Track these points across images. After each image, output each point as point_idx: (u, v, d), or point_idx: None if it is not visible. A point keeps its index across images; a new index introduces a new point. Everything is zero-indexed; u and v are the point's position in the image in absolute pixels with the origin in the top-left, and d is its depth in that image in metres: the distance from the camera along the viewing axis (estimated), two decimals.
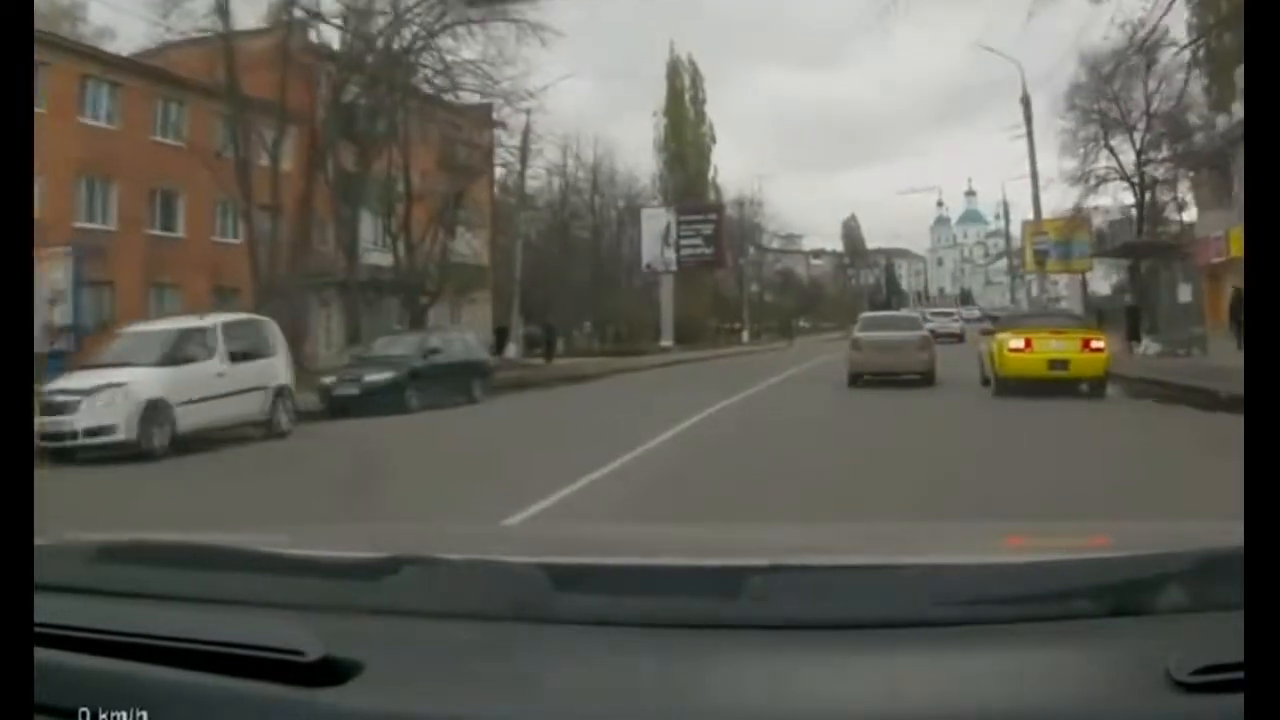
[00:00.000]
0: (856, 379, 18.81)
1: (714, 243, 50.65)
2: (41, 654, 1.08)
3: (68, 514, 6.44)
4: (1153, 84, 38.21)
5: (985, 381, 17.68)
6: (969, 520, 4.91)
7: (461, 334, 23.68)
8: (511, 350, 33.30)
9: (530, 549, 1.69)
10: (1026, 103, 33.47)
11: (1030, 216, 51.63)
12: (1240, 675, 0.94)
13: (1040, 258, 34.72)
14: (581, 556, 1.49)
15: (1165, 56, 36.40)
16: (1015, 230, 64.78)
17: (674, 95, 62.21)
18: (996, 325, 19.53)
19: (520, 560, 1.28)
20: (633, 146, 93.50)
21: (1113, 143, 40.99)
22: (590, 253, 52.46)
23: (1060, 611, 1.11)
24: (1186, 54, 28.40)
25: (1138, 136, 40.72)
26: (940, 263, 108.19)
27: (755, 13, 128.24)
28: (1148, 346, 25.62)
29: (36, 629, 1.10)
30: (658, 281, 50.41)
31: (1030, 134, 33.80)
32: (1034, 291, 62.48)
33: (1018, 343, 16.28)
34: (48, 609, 1.14)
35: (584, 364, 31.25)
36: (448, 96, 29.00)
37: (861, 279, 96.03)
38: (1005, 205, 65.18)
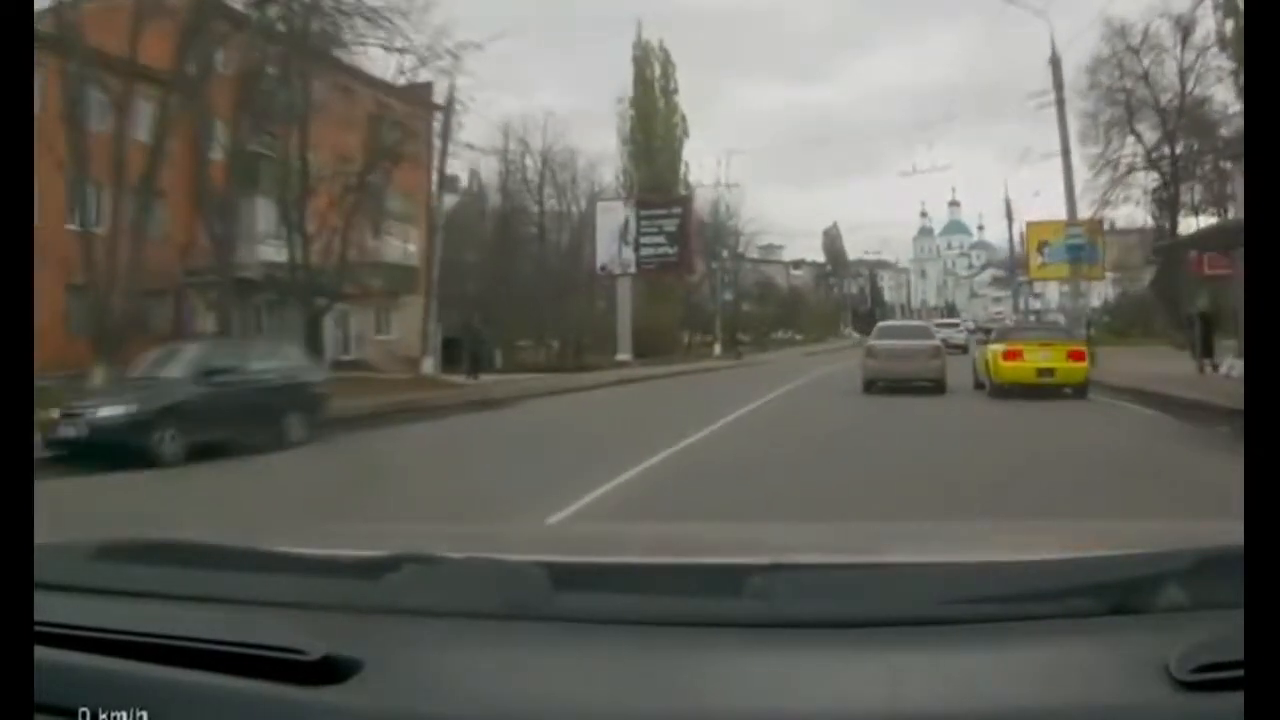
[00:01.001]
0: (871, 385, 19.54)
1: (678, 241, 43.72)
2: (41, 654, 1.08)
3: None
4: (1189, 57, 34.51)
5: (979, 385, 19.69)
6: (969, 520, 4.92)
7: (277, 348, 17.38)
8: (428, 365, 27.62)
9: (530, 548, 1.69)
10: (1056, 64, 27.44)
11: (1033, 219, 45.27)
12: (1240, 674, 0.94)
13: (1074, 255, 27.84)
14: (581, 555, 1.49)
15: (1201, 30, 32.01)
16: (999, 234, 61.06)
17: (642, 83, 54.41)
18: (989, 337, 22.16)
19: (520, 559, 1.28)
20: (595, 137, 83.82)
21: (1139, 128, 37.17)
22: (540, 252, 45.81)
23: (1060, 610, 1.12)
24: (1225, 29, 25.73)
25: (1168, 120, 36.30)
26: (924, 274, 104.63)
27: (734, 20, 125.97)
28: (1231, 367, 18.88)
29: (36, 629, 1.10)
30: (614, 286, 43.49)
31: (1061, 101, 27.16)
32: (1030, 301, 54.91)
33: (1010, 353, 18.57)
34: (48, 609, 1.14)
35: (514, 382, 25.64)
36: (342, 53, 24.08)
37: (845, 287, 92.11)
38: (1009, 204, 58.20)
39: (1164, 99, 37.20)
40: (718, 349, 50.50)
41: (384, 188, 26.64)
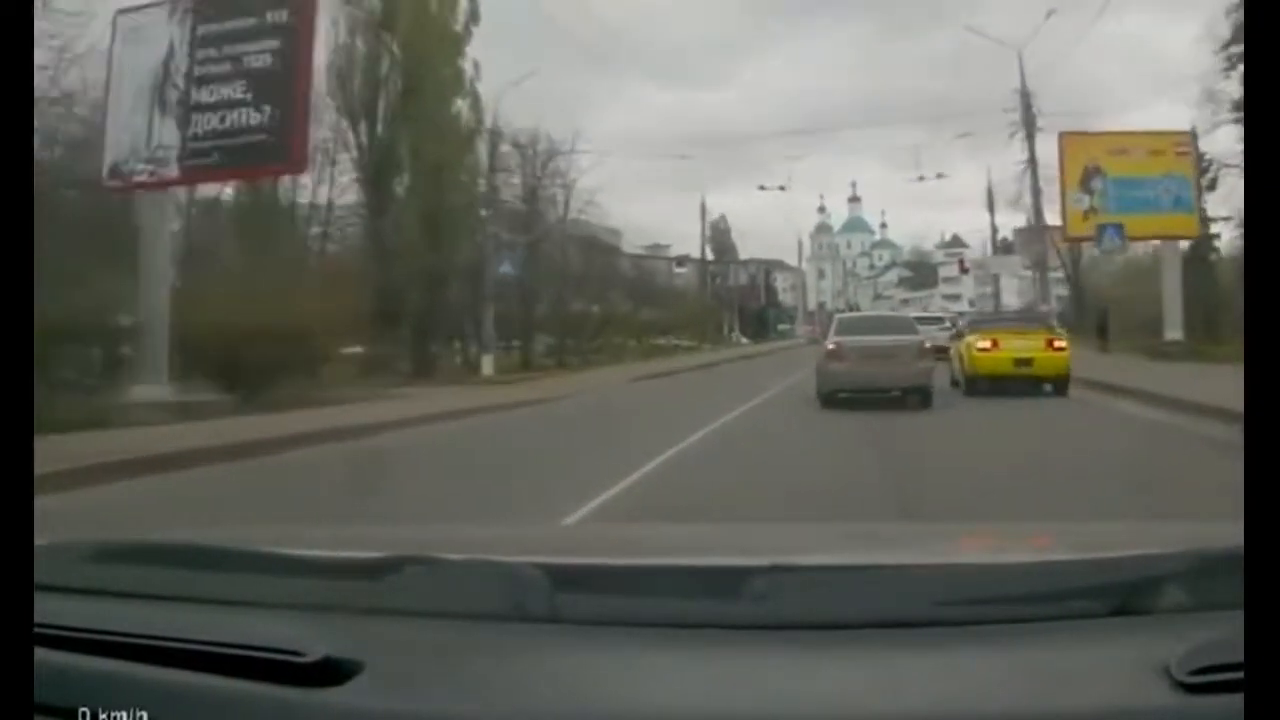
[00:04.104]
0: (831, 396, 14.92)
1: (282, 100, 17.46)
2: (41, 654, 1.09)
3: None
4: None
5: (954, 383, 17.94)
6: (969, 521, 4.92)
7: None
8: None
9: (530, 549, 1.69)
10: None
11: (1066, 130, 26.76)
12: (1240, 675, 0.94)
13: None
14: (582, 557, 1.49)
15: None
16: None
17: None
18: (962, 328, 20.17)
19: (520, 560, 1.28)
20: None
21: None
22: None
23: (1060, 611, 1.12)
24: None
25: None
26: (822, 274, 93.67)
27: (616, 23, 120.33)
28: None
29: (36, 629, 1.10)
30: (137, 217, 18.71)
31: None
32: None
33: (985, 343, 17.00)
34: (48, 609, 1.14)
35: None
36: None
37: (733, 278, 78.94)
38: (1025, 95, 32.42)
39: None
40: (487, 366, 27.72)
41: None
